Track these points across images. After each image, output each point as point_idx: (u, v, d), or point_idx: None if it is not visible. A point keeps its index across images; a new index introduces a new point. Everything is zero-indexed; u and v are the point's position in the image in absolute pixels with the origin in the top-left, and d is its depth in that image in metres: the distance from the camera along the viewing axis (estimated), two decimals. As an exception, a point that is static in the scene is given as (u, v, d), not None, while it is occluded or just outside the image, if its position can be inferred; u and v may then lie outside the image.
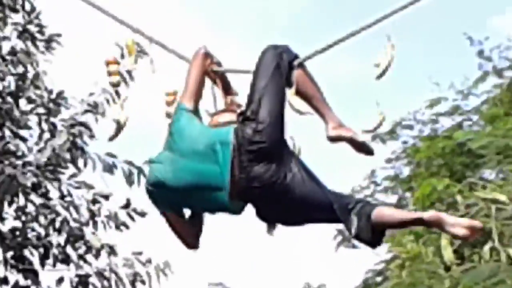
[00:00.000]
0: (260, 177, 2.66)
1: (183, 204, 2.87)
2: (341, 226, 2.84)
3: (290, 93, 2.86)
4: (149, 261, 9.65)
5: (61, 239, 9.59)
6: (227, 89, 3.21)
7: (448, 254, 7.04)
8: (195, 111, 2.96)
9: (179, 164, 2.76)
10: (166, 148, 2.89)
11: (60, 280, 9.51)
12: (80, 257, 9.63)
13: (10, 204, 9.37)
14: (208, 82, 3.11)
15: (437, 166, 12.34)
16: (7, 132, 9.55)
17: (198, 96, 3.01)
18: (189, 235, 2.93)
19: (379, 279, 11.46)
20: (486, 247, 6.95)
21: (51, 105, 9.66)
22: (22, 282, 9.51)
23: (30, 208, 9.58)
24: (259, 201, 2.75)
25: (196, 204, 2.88)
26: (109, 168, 9.45)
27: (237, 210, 2.82)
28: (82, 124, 9.62)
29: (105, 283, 9.63)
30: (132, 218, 9.66)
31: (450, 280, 7.37)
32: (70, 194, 9.67)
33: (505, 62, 13.71)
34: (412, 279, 8.16)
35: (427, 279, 7.89)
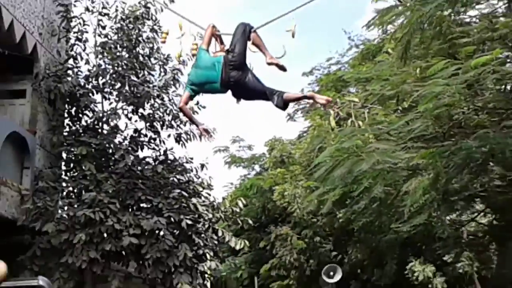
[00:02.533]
0: (234, 77, 5.62)
1: (201, 89, 6.00)
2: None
3: (249, 43, 5.82)
4: None
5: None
6: (221, 42, 6.29)
7: (332, 122, 10.64)
8: (207, 50, 5.99)
9: (197, 72, 5.88)
10: (192, 69, 6.02)
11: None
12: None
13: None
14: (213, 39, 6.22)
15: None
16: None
17: (208, 44, 6.05)
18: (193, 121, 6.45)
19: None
20: (349, 121, 10.27)
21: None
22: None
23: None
24: (233, 88, 5.77)
25: (206, 89, 5.94)
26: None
27: (225, 92, 5.82)
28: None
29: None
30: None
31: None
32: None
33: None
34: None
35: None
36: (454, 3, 7.50)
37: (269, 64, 5.86)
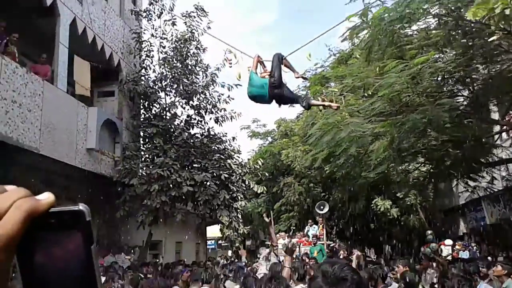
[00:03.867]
0: (276, 93, 5.65)
1: (257, 100, 5.82)
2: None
3: (282, 66, 5.80)
4: None
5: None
6: (264, 66, 6.13)
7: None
8: (255, 73, 5.88)
9: (253, 88, 5.76)
10: (248, 84, 5.85)
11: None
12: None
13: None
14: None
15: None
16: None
17: (256, 68, 5.96)
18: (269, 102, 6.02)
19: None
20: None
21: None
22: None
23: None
24: (277, 99, 5.74)
25: (260, 100, 5.82)
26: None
27: (271, 102, 5.78)
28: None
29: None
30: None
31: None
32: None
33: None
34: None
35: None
36: (401, 20, 7.37)
37: (297, 77, 6.50)
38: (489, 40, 6.46)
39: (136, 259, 11.96)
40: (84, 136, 10.09)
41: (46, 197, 0.51)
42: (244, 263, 8.52)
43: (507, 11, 2.69)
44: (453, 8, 7.54)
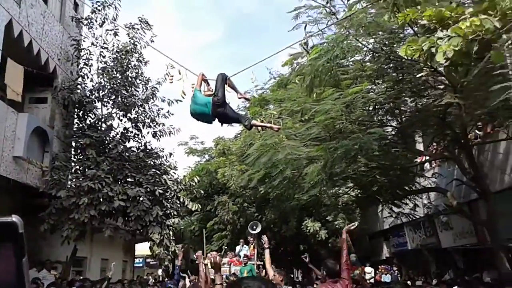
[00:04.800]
0: (219, 112, 5.68)
1: (199, 119, 5.82)
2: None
3: (225, 86, 5.89)
4: None
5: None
6: (208, 84, 6.24)
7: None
8: (199, 91, 5.93)
9: (196, 106, 5.76)
10: (192, 102, 5.82)
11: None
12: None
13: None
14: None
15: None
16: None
17: (200, 86, 6.01)
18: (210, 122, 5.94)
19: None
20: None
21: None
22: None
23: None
24: (219, 118, 5.77)
25: (202, 119, 5.82)
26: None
27: (213, 120, 5.79)
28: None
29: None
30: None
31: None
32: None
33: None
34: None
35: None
36: (336, 57, 7.75)
37: (239, 98, 6.60)
38: (418, 75, 6.97)
39: (59, 276, 11.32)
40: (12, 143, 9.53)
41: None
42: (178, 266, 8.39)
43: (433, 49, 2.99)
44: (386, 43, 8.09)
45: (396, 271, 17.35)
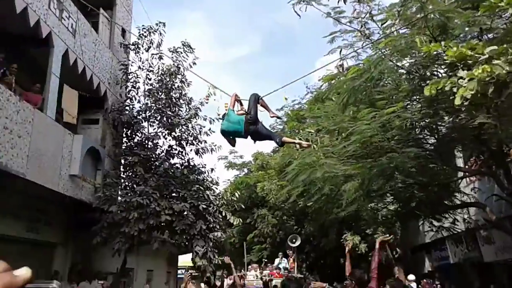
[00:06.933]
0: (251, 129, 6.03)
1: (232, 135, 6.21)
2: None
3: (259, 106, 6.27)
4: None
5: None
6: (241, 104, 6.57)
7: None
8: (233, 110, 6.24)
9: (229, 124, 6.08)
10: (225, 120, 6.16)
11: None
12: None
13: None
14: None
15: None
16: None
17: (233, 106, 6.34)
18: (233, 145, 6.52)
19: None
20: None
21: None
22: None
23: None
24: (252, 135, 6.12)
25: (235, 136, 6.21)
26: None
27: (246, 137, 6.16)
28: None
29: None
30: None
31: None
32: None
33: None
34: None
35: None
36: (371, 79, 8.02)
37: (272, 117, 6.99)
38: (451, 97, 7.15)
39: (109, 286, 12.02)
40: (68, 162, 10.34)
41: (23, 273, 0.51)
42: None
43: (455, 89, 3.29)
44: (421, 64, 8.28)
45: (439, 286, 17.07)
